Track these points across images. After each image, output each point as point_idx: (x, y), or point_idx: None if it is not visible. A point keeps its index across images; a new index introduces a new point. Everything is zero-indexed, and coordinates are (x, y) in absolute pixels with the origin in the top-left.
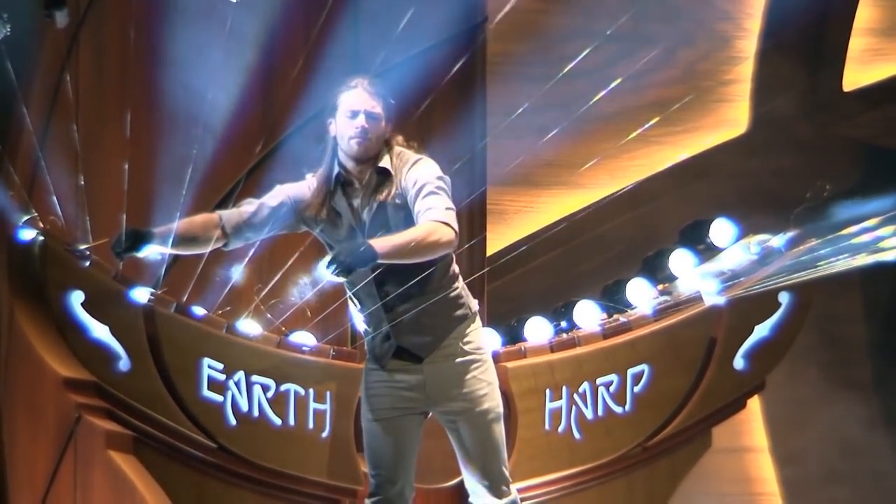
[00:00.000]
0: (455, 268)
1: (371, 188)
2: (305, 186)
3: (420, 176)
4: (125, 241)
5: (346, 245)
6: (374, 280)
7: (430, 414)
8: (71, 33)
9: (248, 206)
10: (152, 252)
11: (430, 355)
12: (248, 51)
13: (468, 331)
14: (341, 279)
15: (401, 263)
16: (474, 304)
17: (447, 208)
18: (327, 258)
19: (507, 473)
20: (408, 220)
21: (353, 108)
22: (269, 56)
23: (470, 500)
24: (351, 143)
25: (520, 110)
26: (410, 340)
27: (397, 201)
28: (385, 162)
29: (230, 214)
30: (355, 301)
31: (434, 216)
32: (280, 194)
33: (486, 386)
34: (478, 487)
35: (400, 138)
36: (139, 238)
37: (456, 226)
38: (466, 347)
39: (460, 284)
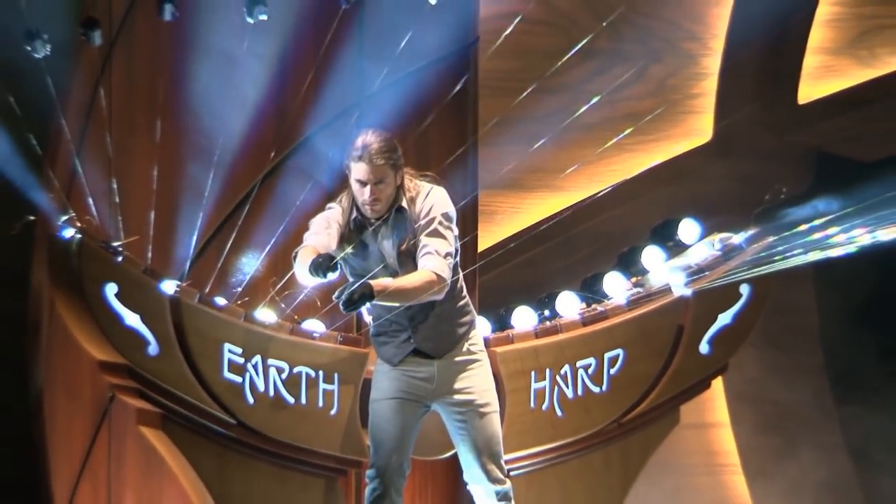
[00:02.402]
0: (462, 282)
1: (392, 225)
2: (338, 213)
3: (431, 208)
4: (329, 266)
5: (352, 284)
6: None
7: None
8: (104, 52)
9: (323, 238)
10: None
11: (441, 357)
12: (263, 68)
13: (472, 335)
14: (348, 311)
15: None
16: (475, 313)
17: (445, 254)
18: (338, 292)
19: (503, 463)
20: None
21: (360, 180)
22: (281, 73)
23: (468, 486)
24: (365, 208)
25: (493, 120)
26: (428, 344)
27: (414, 235)
28: (401, 201)
29: (320, 246)
30: (377, 310)
31: (429, 264)
32: (330, 222)
33: (486, 383)
34: (477, 474)
35: (412, 171)
36: (331, 262)
37: (448, 274)
38: (472, 349)
39: (466, 296)
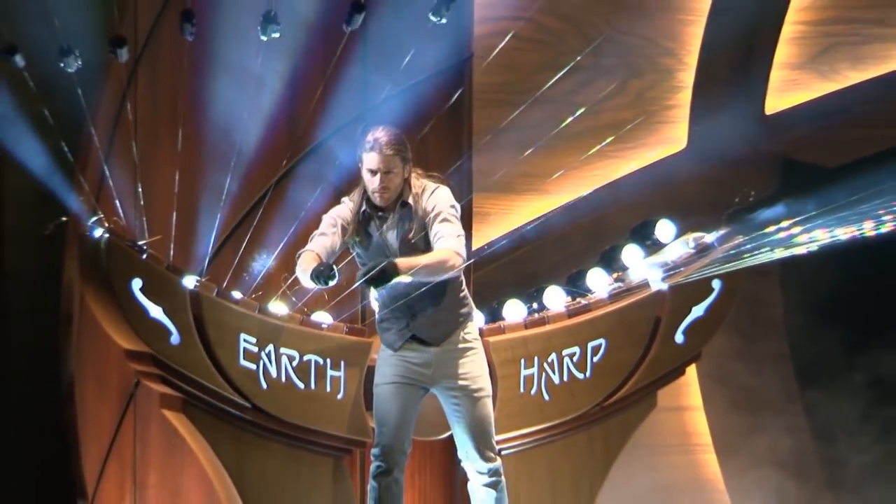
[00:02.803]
0: (462, 276)
1: (397, 219)
2: (347, 209)
3: (437, 203)
4: (329, 275)
5: (375, 262)
6: (404, 289)
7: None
8: (130, 67)
9: (327, 239)
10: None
11: (440, 345)
12: (276, 81)
13: (468, 326)
14: (373, 291)
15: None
16: (472, 306)
17: (458, 235)
18: (360, 271)
19: (494, 443)
20: (426, 242)
21: (371, 169)
22: (293, 85)
23: (462, 463)
24: (374, 196)
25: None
26: (425, 332)
27: (420, 234)
28: (407, 197)
29: (321, 250)
30: (380, 299)
31: (447, 244)
32: (336, 220)
33: (480, 369)
34: (470, 453)
35: (420, 171)
36: (331, 271)
37: (464, 252)
38: (467, 338)
39: (465, 289)
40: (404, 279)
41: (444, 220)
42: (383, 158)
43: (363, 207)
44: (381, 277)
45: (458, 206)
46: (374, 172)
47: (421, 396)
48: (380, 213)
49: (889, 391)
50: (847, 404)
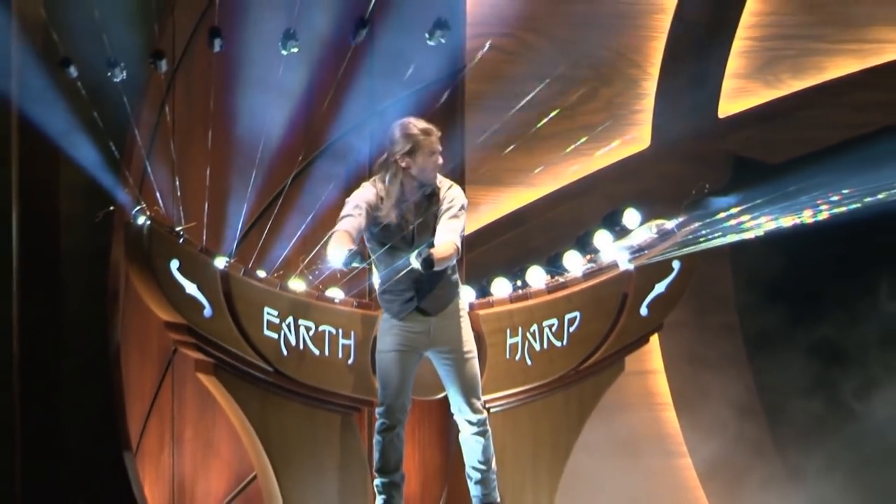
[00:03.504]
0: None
1: (420, 205)
2: (373, 194)
3: (455, 199)
4: (357, 257)
5: (422, 251)
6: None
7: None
8: (169, 77)
9: (355, 220)
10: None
11: (436, 315)
12: (295, 87)
13: (458, 299)
14: (424, 269)
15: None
16: (460, 282)
17: (460, 232)
18: (414, 254)
19: (481, 398)
20: (435, 228)
21: (436, 149)
22: (308, 92)
23: (453, 415)
24: (432, 174)
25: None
26: (428, 304)
27: (434, 221)
28: (434, 188)
29: (352, 229)
30: (384, 276)
31: (451, 238)
32: (361, 203)
33: (467, 335)
34: (460, 405)
35: None
36: (360, 256)
37: (459, 241)
38: (457, 309)
39: (456, 269)
40: (439, 267)
41: (455, 216)
42: (439, 140)
43: (395, 187)
44: (426, 263)
45: (466, 203)
46: (436, 153)
47: (418, 360)
48: (404, 194)
49: (826, 357)
50: (790, 369)
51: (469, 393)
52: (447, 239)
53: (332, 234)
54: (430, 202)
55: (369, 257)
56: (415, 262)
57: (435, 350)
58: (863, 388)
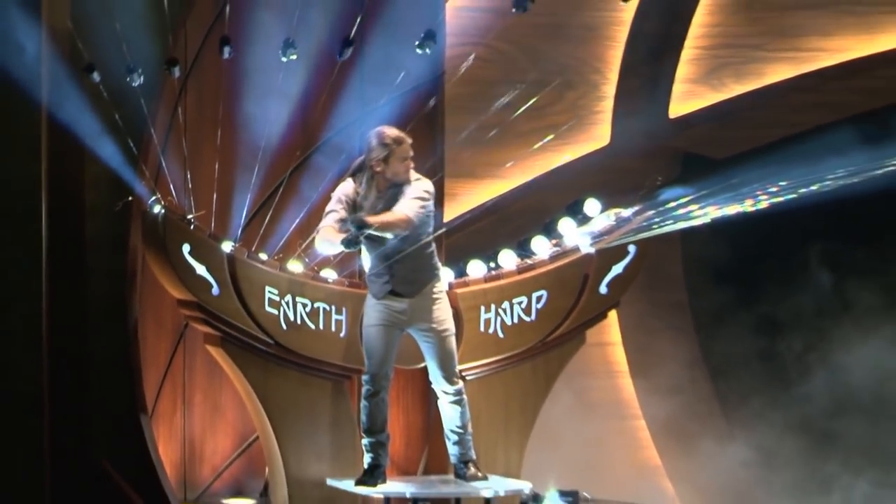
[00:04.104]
0: (433, 245)
1: (391, 200)
2: (351, 188)
3: (416, 187)
4: (358, 241)
5: (353, 215)
6: (385, 254)
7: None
8: (181, 81)
9: (338, 214)
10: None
11: (413, 296)
12: (294, 91)
13: (436, 282)
14: (349, 241)
15: (405, 246)
16: (440, 266)
17: (417, 207)
18: (343, 238)
19: (457, 370)
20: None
21: (407, 155)
22: (305, 95)
23: (432, 385)
24: (403, 176)
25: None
26: (402, 287)
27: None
28: (403, 183)
29: (337, 224)
30: (371, 259)
31: (404, 208)
32: (342, 197)
33: (445, 314)
34: (438, 378)
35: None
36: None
37: (413, 215)
38: (435, 291)
39: (434, 253)
40: (374, 231)
41: (415, 197)
42: (410, 147)
43: (371, 188)
44: (359, 226)
45: (432, 192)
46: (408, 158)
47: (399, 335)
48: (379, 192)
49: (765, 328)
50: (733, 342)
51: (446, 367)
52: (398, 210)
53: (318, 229)
54: (396, 195)
55: (359, 241)
56: (351, 225)
57: (414, 327)
58: (797, 353)
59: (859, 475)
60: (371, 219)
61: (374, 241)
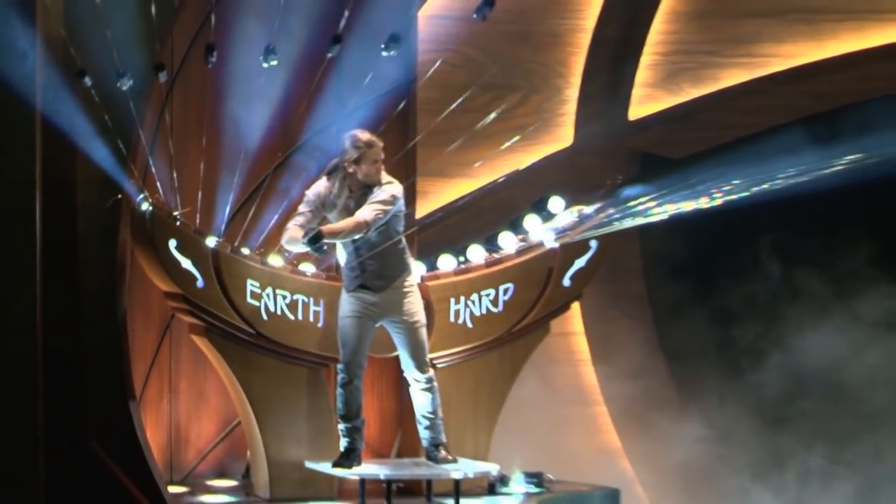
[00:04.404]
0: (404, 242)
1: (362, 199)
2: (324, 187)
3: (385, 189)
4: (315, 240)
5: (309, 228)
6: (357, 250)
7: (379, 324)
8: (168, 86)
9: (305, 217)
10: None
11: (384, 290)
12: (274, 94)
13: (407, 276)
14: (312, 248)
15: (376, 243)
16: (412, 262)
17: (374, 210)
18: (302, 239)
19: (428, 360)
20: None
21: (378, 158)
22: (285, 98)
23: (404, 374)
24: (375, 177)
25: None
26: (372, 282)
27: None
28: (374, 184)
29: (304, 222)
30: (346, 255)
31: (360, 213)
32: (314, 198)
33: (416, 307)
34: (410, 366)
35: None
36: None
37: (370, 219)
38: (405, 285)
39: (405, 249)
40: (329, 240)
41: (378, 200)
42: (381, 149)
43: (344, 187)
44: (312, 240)
45: (399, 194)
46: (378, 161)
47: (373, 326)
48: (351, 192)
49: (719, 318)
50: (688, 328)
51: (417, 356)
52: (355, 216)
53: (286, 228)
54: (366, 195)
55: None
56: (303, 241)
57: (386, 319)
58: (750, 341)
59: (812, 451)
60: (325, 229)
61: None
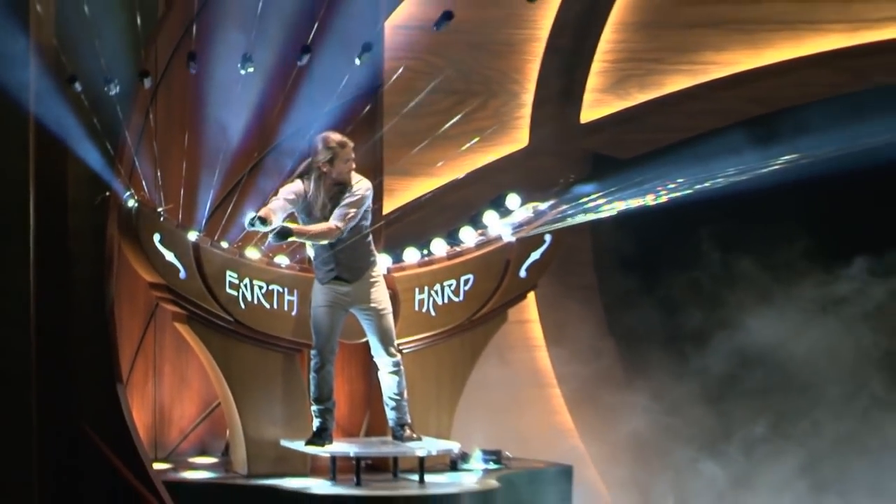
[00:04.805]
0: (371, 238)
1: (332, 195)
2: (300, 187)
3: (357, 190)
4: (259, 222)
5: (280, 225)
6: (331, 244)
7: (349, 312)
8: (152, 91)
9: (282, 203)
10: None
11: (355, 281)
12: (251, 99)
13: (375, 268)
14: (279, 241)
15: (350, 239)
16: (377, 254)
17: (345, 215)
18: (271, 235)
19: (395, 345)
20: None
21: (349, 157)
22: (261, 102)
23: (374, 358)
24: (346, 176)
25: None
26: (346, 273)
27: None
28: (346, 183)
29: (279, 206)
30: (316, 250)
31: (334, 222)
32: (294, 190)
33: (383, 296)
34: (378, 351)
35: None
36: (263, 221)
37: (342, 226)
38: (373, 276)
39: (371, 243)
40: (295, 239)
41: (349, 203)
42: (352, 149)
43: (319, 188)
44: (281, 234)
45: (368, 195)
46: (350, 160)
47: (344, 314)
48: (325, 191)
49: (665, 307)
50: (636, 316)
51: (385, 341)
52: (330, 221)
53: (267, 201)
54: (341, 192)
55: (265, 222)
56: (271, 231)
57: (356, 307)
58: (694, 325)
59: (755, 425)
60: (296, 229)
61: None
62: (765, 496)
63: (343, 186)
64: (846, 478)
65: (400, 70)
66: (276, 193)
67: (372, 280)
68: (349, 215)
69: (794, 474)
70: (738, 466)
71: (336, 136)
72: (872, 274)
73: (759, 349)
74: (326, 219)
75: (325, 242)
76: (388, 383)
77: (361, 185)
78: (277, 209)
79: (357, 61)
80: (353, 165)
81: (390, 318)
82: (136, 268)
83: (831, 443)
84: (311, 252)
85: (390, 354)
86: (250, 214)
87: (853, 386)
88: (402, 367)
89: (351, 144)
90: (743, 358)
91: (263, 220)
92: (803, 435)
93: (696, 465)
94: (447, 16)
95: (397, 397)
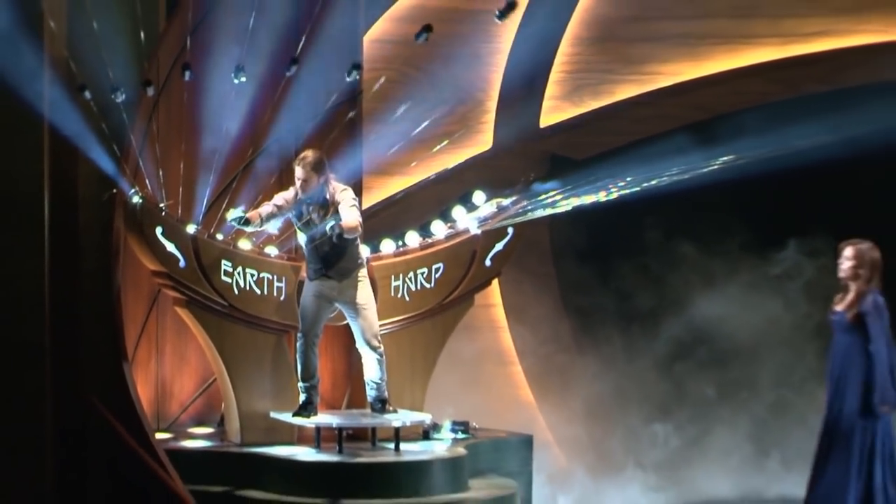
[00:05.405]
0: (359, 241)
1: (320, 205)
2: (292, 194)
3: (344, 198)
4: (241, 221)
5: (334, 225)
6: (315, 235)
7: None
8: (155, 97)
9: (273, 208)
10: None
11: (343, 280)
12: (244, 105)
13: (361, 269)
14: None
15: (338, 238)
16: (364, 255)
17: (354, 211)
18: (329, 225)
19: (379, 337)
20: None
21: (296, 175)
22: (252, 108)
23: (357, 348)
24: (304, 188)
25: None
26: (334, 273)
27: (329, 215)
28: (326, 194)
29: (265, 211)
30: (308, 249)
31: (354, 215)
32: (286, 198)
33: (367, 294)
34: (362, 342)
35: (333, 176)
36: (247, 222)
37: (360, 218)
38: (359, 276)
39: (359, 246)
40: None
41: (350, 205)
42: (302, 172)
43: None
44: (338, 234)
45: (357, 199)
46: (299, 178)
47: (329, 306)
48: (310, 203)
49: (618, 291)
50: (591, 300)
51: (368, 333)
52: (353, 216)
53: (264, 205)
54: (328, 201)
55: (248, 223)
56: (329, 230)
57: (341, 302)
58: (641, 306)
59: (703, 396)
60: (347, 225)
61: (307, 226)
62: (715, 458)
63: (327, 194)
64: (785, 444)
65: (381, 80)
66: (269, 197)
67: (357, 280)
68: (356, 210)
69: (740, 440)
70: (691, 434)
71: (310, 155)
72: (802, 254)
73: (703, 326)
74: (314, 223)
75: (352, 236)
76: (371, 370)
77: (347, 193)
78: (265, 213)
79: (347, 77)
80: (331, 177)
81: (373, 314)
82: (140, 257)
83: (771, 407)
84: (300, 240)
85: (373, 347)
86: (237, 212)
87: (793, 357)
88: (384, 358)
89: (297, 162)
90: (689, 333)
91: (248, 221)
92: (748, 402)
93: (643, 430)
94: (427, 28)
95: (378, 382)
